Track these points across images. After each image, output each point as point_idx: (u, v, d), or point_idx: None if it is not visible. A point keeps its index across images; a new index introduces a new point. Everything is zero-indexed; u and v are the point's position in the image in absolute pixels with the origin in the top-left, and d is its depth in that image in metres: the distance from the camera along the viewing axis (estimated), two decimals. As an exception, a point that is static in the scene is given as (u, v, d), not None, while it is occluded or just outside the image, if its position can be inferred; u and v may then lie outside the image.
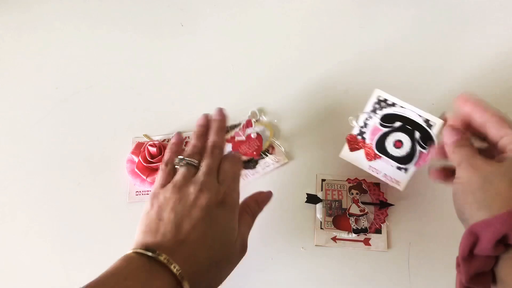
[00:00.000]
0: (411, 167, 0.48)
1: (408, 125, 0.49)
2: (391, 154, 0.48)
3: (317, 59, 0.62)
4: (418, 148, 0.48)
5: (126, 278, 0.32)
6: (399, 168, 0.48)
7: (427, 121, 0.48)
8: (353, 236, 0.50)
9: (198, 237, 0.36)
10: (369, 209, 0.51)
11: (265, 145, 0.56)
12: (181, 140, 0.47)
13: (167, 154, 0.44)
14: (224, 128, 0.47)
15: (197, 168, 0.41)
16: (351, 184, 0.53)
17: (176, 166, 0.42)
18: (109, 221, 0.53)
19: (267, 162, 0.55)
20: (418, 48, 0.62)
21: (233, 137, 0.57)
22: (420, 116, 0.49)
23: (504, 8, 0.64)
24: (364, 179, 0.53)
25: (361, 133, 0.50)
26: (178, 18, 0.67)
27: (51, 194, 0.55)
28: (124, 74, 0.63)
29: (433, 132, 0.48)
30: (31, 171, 0.56)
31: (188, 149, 0.44)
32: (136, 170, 0.52)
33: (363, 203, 0.52)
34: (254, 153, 0.55)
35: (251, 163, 0.54)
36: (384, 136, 0.49)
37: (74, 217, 0.53)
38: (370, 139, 0.50)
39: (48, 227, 0.53)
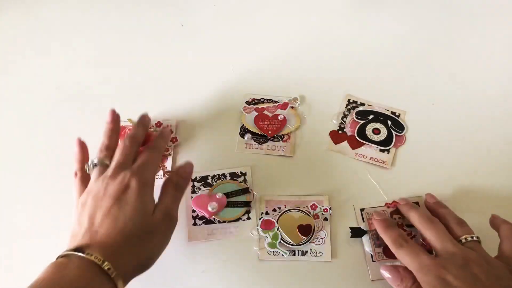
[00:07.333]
0: (392, 149, 0.54)
1: (380, 117, 0.56)
2: (372, 140, 0.54)
3: (316, 58, 0.64)
4: (394, 132, 0.55)
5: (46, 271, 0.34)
6: (382, 151, 0.54)
7: (393, 113, 0.57)
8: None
9: (110, 222, 0.37)
10: (415, 231, 0.47)
11: (284, 131, 0.55)
12: (82, 147, 0.47)
13: (75, 165, 0.45)
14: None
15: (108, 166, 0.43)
16: (391, 209, 0.49)
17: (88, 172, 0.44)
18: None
19: (275, 145, 0.55)
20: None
21: (263, 108, 0.57)
22: (387, 110, 0.57)
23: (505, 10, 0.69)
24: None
25: (341, 128, 0.56)
26: (178, 18, 0.68)
27: (50, 195, 0.52)
28: (124, 74, 0.62)
29: (401, 119, 0.56)
30: (30, 171, 0.54)
31: (100, 150, 0.45)
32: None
33: (407, 226, 0.48)
34: (270, 132, 0.54)
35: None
36: (363, 126, 0.55)
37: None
38: (351, 132, 0.55)
39: (47, 230, 0.50)
